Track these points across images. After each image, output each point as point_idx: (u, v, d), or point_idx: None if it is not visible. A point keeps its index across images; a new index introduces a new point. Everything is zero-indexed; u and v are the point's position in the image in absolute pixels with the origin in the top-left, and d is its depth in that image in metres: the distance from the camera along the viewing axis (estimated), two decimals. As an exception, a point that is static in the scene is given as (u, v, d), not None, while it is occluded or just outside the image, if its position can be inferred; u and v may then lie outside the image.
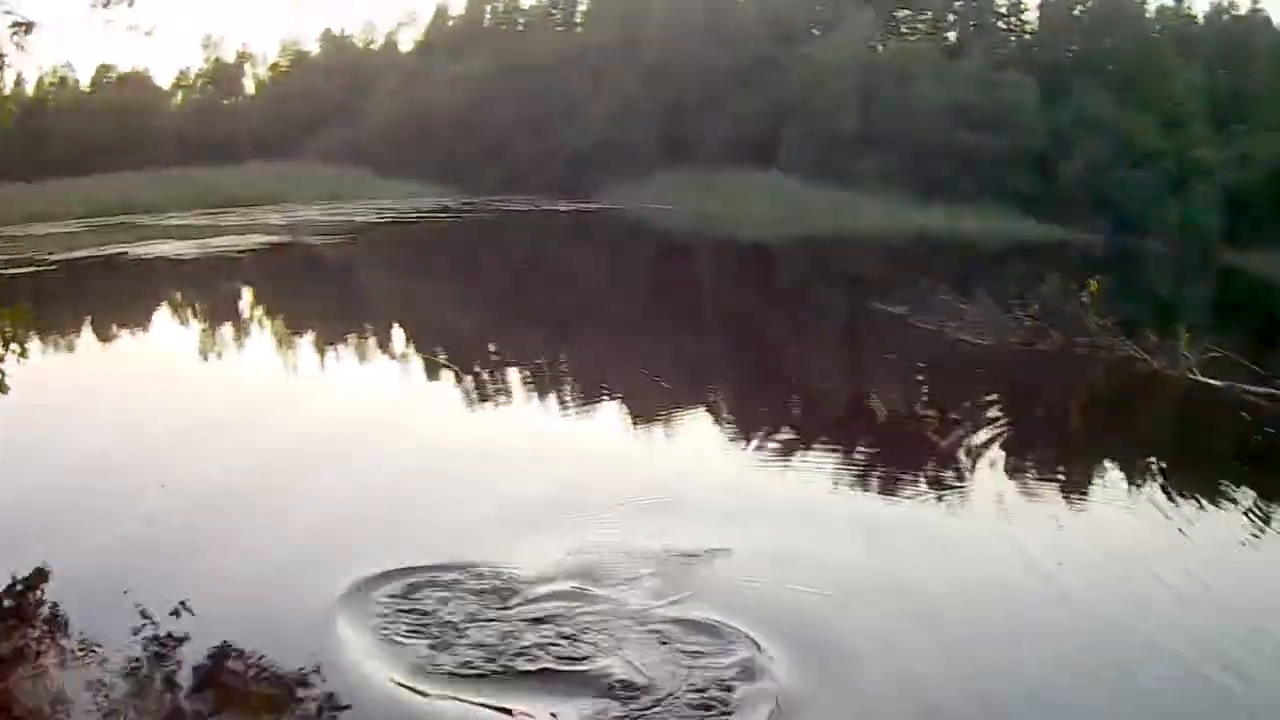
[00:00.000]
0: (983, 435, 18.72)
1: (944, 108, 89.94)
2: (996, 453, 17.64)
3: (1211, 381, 21.95)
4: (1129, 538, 14.12)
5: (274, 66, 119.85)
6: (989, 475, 16.46)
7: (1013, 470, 17.02)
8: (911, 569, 12.22)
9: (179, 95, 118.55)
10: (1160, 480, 16.80)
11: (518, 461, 16.40)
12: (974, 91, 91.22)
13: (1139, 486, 16.47)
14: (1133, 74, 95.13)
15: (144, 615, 9.64)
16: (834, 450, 17.63)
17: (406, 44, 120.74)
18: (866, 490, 15.72)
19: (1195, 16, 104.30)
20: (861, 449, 17.85)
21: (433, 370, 22.92)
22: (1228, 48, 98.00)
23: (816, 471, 16.21)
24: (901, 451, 18.20)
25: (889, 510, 14.83)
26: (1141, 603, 11.55)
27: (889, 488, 15.89)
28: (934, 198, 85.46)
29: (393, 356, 25.66)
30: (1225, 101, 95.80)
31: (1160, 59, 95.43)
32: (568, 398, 21.10)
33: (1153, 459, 18.21)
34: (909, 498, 15.53)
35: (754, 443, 18.17)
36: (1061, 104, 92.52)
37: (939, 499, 15.38)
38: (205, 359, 24.63)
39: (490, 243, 55.53)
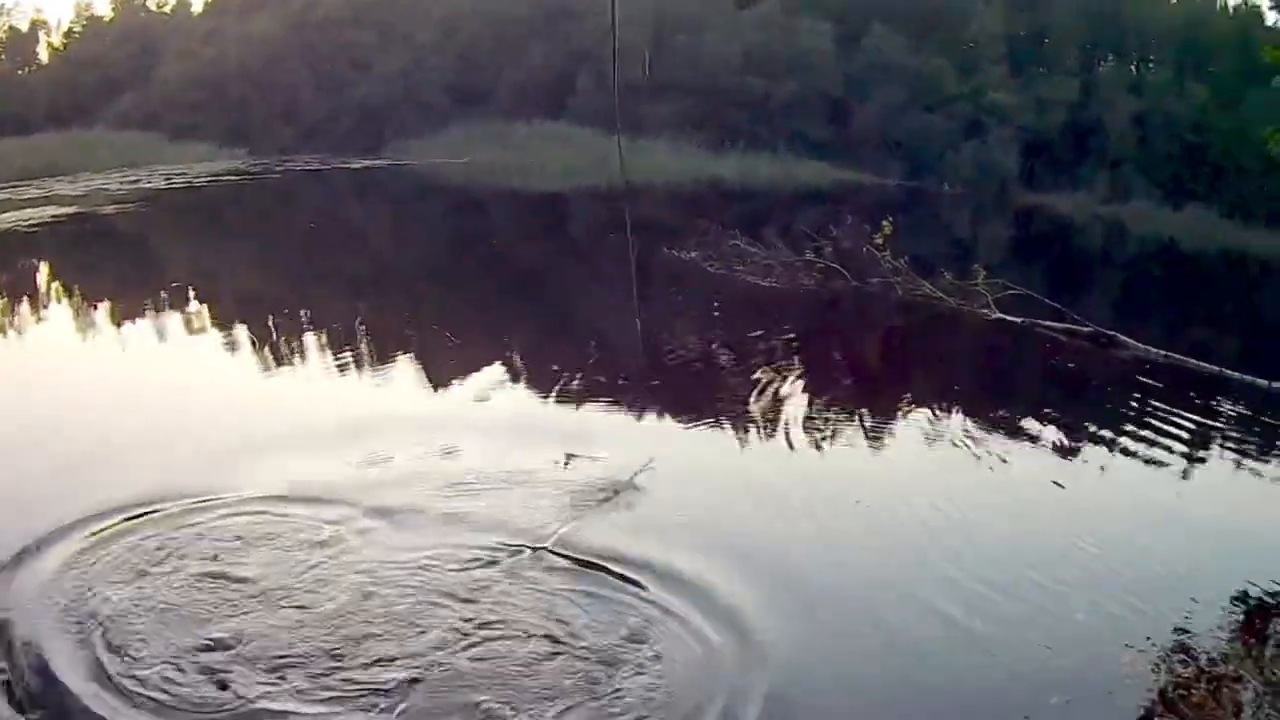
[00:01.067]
0: (770, 374, 18.38)
1: (737, 54, 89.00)
2: (788, 389, 17.40)
3: (1009, 318, 21.08)
4: (918, 466, 14.97)
5: (67, 34, 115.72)
6: (784, 411, 16.80)
7: (810, 406, 16.83)
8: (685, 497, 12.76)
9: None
10: (955, 413, 18.10)
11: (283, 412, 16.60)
12: (768, 37, 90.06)
13: (933, 419, 17.46)
14: (929, 18, 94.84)
15: None
16: (619, 394, 16.98)
17: (198, 5, 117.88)
18: (656, 424, 16.30)
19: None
20: (648, 391, 17.11)
21: (219, 332, 21.55)
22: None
23: (602, 414, 15.39)
24: (689, 391, 17.40)
25: (679, 444, 15.32)
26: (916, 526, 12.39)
27: (681, 424, 16.37)
28: (728, 145, 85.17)
29: (183, 322, 24.00)
30: (1024, 46, 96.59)
31: (957, 3, 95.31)
32: (355, 356, 19.81)
33: (946, 393, 19.49)
34: (698, 433, 15.95)
35: (538, 389, 18.32)
36: (856, 49, 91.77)
37: (738, 434, 15.90)
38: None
39: (281, 203, 54.64)
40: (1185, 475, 15.66)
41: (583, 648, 9.12)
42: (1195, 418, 18.34)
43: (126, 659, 8.55)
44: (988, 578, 10.98)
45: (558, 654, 9.02)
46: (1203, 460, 16.43)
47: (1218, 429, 17.95)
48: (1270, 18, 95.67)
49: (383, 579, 10.10)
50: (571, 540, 11.18)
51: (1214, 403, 19.36)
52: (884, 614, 10.10)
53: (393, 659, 8.80)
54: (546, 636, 9.32)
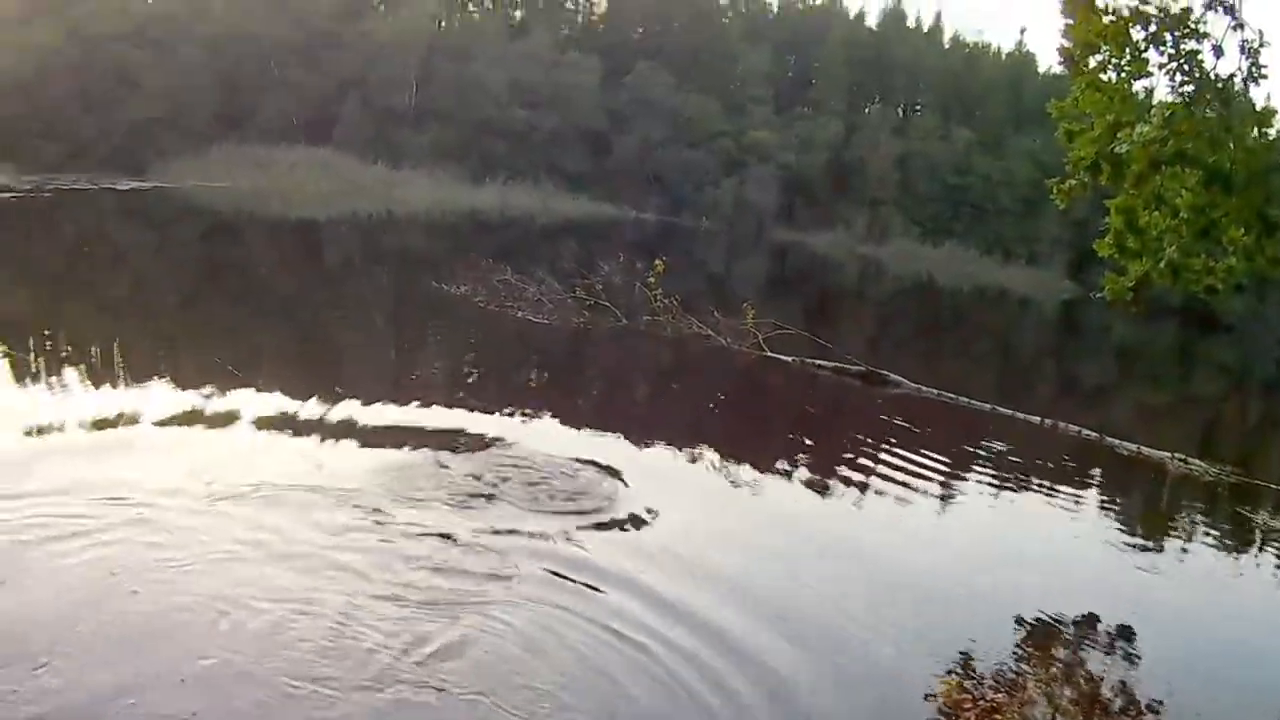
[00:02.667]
0: (545, 412, 17.85)
1: (503, 86, 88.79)
2: (567, 428, 16.76)
3: (780, 357, 21.03)
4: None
5: None
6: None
7: (611, 441, 16.18)
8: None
9: None
10: (730, 447, 16.52)
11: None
12: (535, 70, 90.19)
13: (715, 456, 16.67)
14: (697, 58, 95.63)
15: None
16: (394, 428, 16.33)
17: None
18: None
19: (769, 4, 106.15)
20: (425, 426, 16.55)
21: None
22: (799, 35, 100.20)
23: (351, 450, 14.78)
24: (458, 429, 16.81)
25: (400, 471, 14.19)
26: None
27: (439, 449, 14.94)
28: (487, 175, 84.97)
29: None
30: (791, 87, 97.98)
31: (726, 44, 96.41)
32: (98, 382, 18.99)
33: (718, 429, 18.20)
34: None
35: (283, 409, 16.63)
36: (622, 85, 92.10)
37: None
38: None
39: (45, 224, 53.02)
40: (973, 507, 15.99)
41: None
42: (977, 452, 18.54)
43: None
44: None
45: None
46: (985, 492, 16.57)
47: (995, 462, 18.11)
48: (1043, 64, 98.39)
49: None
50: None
51: (985, 440, 19.41)
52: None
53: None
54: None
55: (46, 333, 21.99)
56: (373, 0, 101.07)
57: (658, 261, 24.48)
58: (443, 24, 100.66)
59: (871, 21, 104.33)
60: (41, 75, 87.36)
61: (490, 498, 12.82)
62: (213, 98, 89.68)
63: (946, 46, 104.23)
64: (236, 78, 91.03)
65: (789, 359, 21.10)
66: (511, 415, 17.54)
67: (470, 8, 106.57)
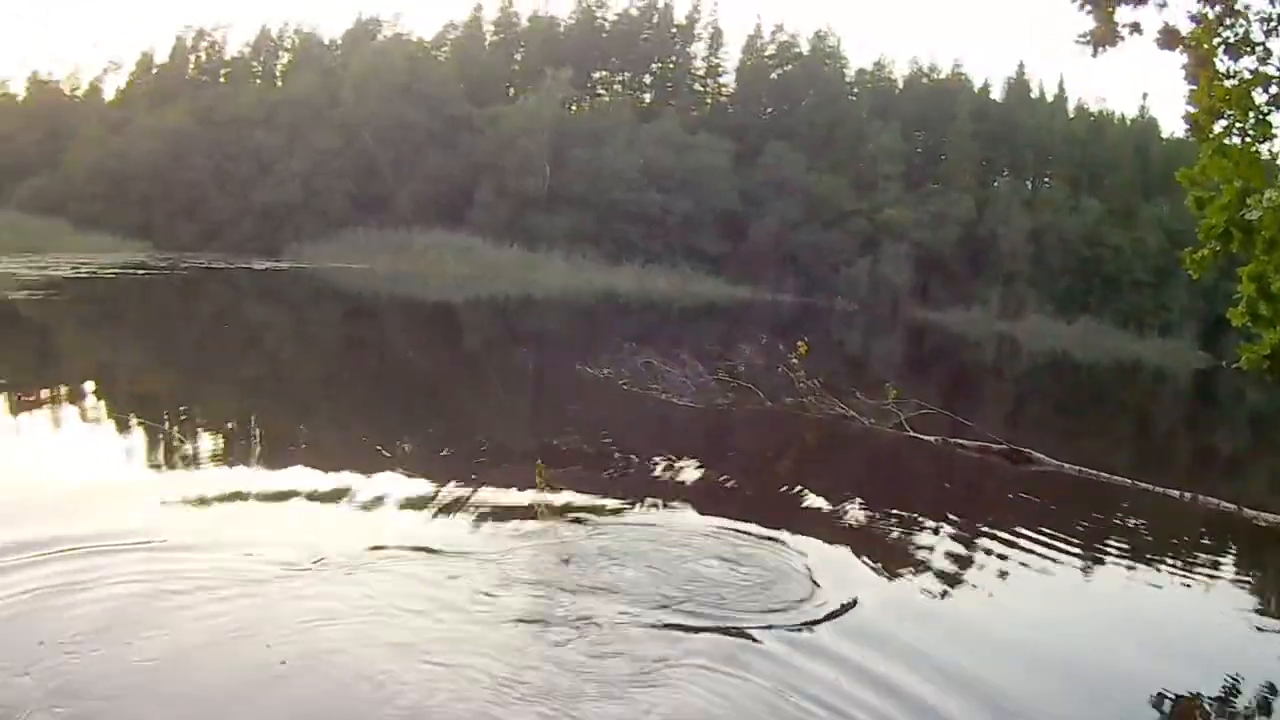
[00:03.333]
0: (704, 492, 17.85)
1: (635, 169, 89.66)
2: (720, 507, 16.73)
3: (924, 437, 21.22)
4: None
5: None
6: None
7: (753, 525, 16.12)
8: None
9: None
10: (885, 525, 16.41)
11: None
12: (666, 153, 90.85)
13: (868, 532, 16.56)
14: (827, 136, 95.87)
15: None
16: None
17: (111, 92, 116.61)
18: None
19: (894, 79, 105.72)
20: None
21: (125, 429, 20.91)
22: (926, 110, 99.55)
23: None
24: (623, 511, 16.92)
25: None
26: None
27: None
28: (623, 258, 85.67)
29: (85, 416, 23.48)
30: (921, 162, 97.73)
31: (856, 121, 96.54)
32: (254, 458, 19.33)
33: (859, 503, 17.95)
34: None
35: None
36: (754, 166, 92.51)
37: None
38: None
39: (186, 301, 53.56)
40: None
41: None
42: (1115, 526, 18.56)
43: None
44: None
45: None
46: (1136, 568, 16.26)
47: (1133, 536, 18.05)
48: (1166, 130, 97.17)
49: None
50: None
51: (1121, 514, 19.36)
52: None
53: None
54: None
55: (182, 408, 22.50)
56: (504, 86, 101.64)
57: (800, 343, 24.53)
58: (573, 108, 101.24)
59: (996, 93, 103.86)
60: (177, 158, 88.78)
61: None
62: (347, 182, 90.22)
63: (1071, 116, 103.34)
64: (372, 162, 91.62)
65: (932, 438, 21.25)
66: (661, 494, 17.65)
67: (599, 91, 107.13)
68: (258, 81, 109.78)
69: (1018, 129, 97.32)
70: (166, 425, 20.67)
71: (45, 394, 23.78)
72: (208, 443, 19.12)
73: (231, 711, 8.57)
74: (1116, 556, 16.42)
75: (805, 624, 11.19)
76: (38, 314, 40.11)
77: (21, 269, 54.22)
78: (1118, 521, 18.86)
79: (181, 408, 23.56)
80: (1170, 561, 16.75)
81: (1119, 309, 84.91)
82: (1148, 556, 16.73)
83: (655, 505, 16.63)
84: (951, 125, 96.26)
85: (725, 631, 10.73)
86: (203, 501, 14.64)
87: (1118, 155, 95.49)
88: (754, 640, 10.63)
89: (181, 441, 18.87)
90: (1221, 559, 17.81)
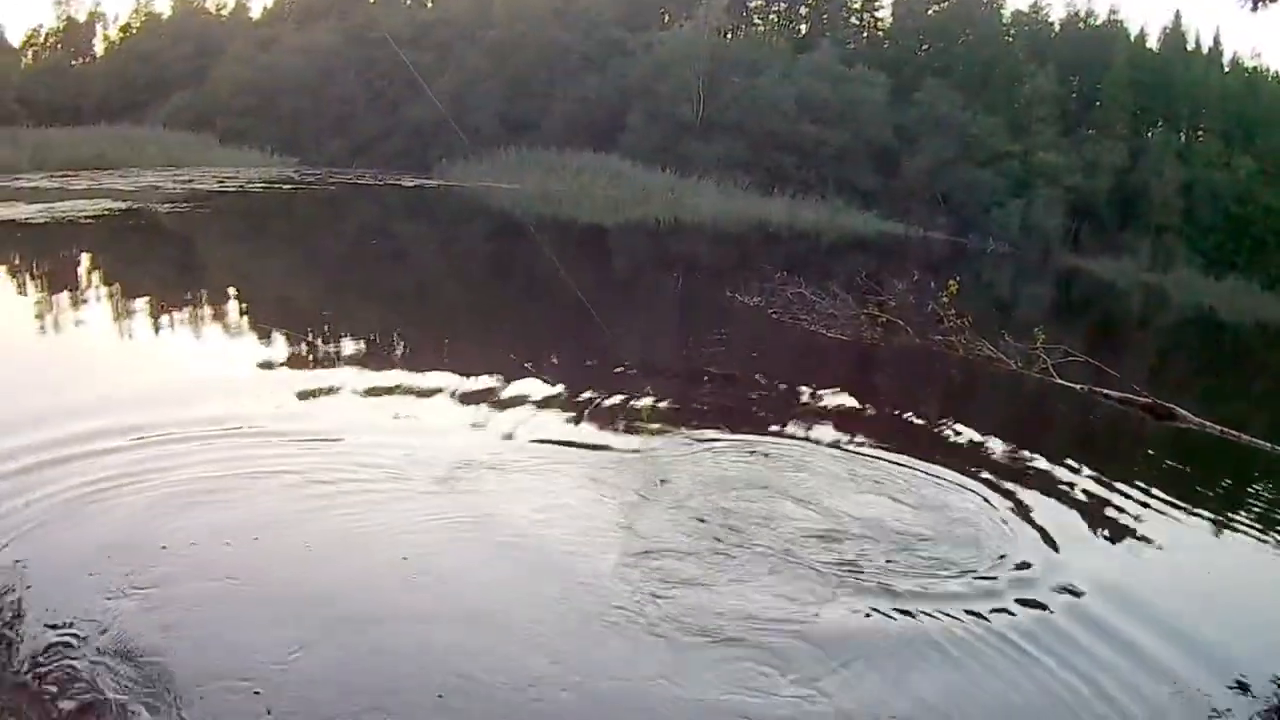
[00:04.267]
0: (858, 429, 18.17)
1: (790, 99, 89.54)
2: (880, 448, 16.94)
3: (1070, 384, 21.33)
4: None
5: (124, 28, 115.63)
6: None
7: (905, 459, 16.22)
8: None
9: (29, 54, 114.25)
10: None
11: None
12: (821, 85, 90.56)
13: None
14: (983, 76, 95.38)
15: None
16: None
17: (256, 11, 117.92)
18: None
19: (1051, 22, 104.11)
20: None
21: (270, 344, 21.33)
22: (1081, 55, 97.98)
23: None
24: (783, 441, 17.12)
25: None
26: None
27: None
28: (774, 188, 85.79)
29: (229, 326, 23.93)
30: (1075, 108, 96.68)
31: (1012, 62, 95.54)
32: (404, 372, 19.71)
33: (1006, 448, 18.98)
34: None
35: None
36: (909, 102, 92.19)
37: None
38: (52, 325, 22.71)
39: (333, 215, 54.00)
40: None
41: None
42: (1255, 490, 18.56)
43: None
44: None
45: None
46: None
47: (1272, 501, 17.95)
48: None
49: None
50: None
51: (1263, 481, 19.35)
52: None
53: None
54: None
55: (334, 324, 23.02)
56: (659, 11, 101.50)
57: (951, 282, 24.64)
58: (728, 36, 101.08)
59: (1153, 42, 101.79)
60: (326, 75, 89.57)
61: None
62: (497, 102, 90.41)
63: (1226, 70, 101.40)
64: (524, 83, 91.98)
65: (1077, 386, 21.34)
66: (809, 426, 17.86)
67: (755, 20, 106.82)
68: (408, 3, 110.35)
69: (1172, 80, 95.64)
70: (309, 333, 21.29)
71: (188, 302, 24.45)
72: (353, 349, 19.71)
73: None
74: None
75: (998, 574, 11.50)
76: (181, 226, 40.86)
77: (168, 183, 55.19)
78: (1258, 486, 19.07)
79: (324, 315, 24.19)
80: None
81: (1267, 270, 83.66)
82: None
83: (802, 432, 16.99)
84: (1106, 72, 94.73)
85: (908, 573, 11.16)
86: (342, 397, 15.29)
87: (1272, 113, 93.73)
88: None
89: (327, 348, 19.46)
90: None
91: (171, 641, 8.09)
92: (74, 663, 7.69)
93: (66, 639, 7.96)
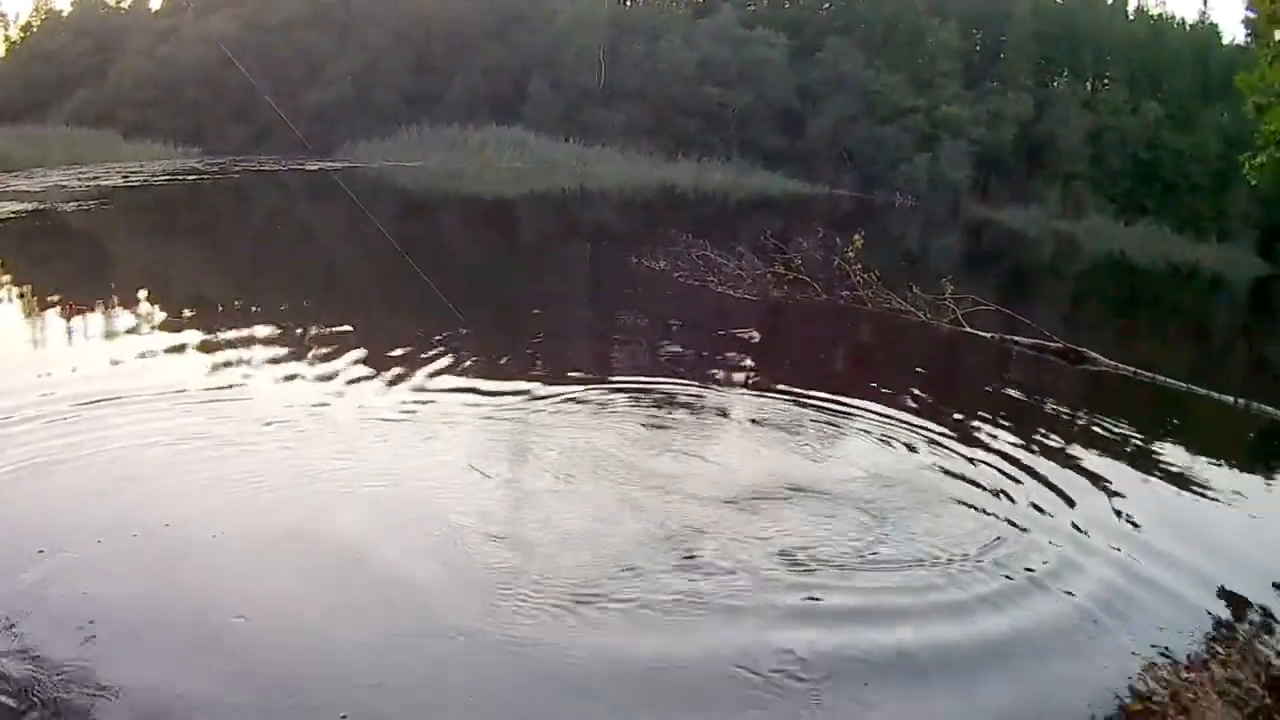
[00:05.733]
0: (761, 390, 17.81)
1: (692, 64, 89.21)
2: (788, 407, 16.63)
3: (980, 333, 21.09)
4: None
5: (24, 27, 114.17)
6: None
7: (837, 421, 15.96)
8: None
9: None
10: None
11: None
12: (723, 47, 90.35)
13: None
14: (885, 33, 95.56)
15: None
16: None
17: (156, 3, 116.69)
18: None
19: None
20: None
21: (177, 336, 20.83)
22: (984, 8, 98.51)
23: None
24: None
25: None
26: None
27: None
28: (680, 153, 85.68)
29: (142, 323, 23.36)
30: (979, 60, 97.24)
31: (913, 17, 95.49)
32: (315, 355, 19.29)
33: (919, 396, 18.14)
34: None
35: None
36: (811, 62, 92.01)
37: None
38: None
39: (237, 202, 53.65)
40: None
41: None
42: (1169, 428, 18.42)
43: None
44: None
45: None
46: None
47: (1188, 440, 17.86)
48: (1227, 36, 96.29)
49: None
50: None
51: (1174, 417, 19.21)
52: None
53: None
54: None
55: (244, 315, 22.51)
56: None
57: (856, 236, 24.44)
58: (628, 3, 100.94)
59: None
60: (226, 62, 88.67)
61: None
62: (399, 80, 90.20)
63: (1130, 18, 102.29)
64: (424, 59, 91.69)
65: (988, 335, 21.13)
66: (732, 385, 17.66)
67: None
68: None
69: (1077, 29, 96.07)
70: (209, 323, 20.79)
71: (96, 301, 23.83)
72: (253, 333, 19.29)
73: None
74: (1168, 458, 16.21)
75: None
76: (86, 224, 40.15)
77: (72, 181, 54.32)
78: (1170, 424, 18.74)
79: (235, 304, 23.69)
80: (1226, 464, 16.55)
81: (1178, 213, 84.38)
82: (1203, 458, 16.51)
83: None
84: (1009, 24, 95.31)
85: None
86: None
87: (1177, 59, 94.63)
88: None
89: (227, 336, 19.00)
90: (1276, 465, 17.60)
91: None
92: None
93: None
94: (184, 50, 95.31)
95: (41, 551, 8.95)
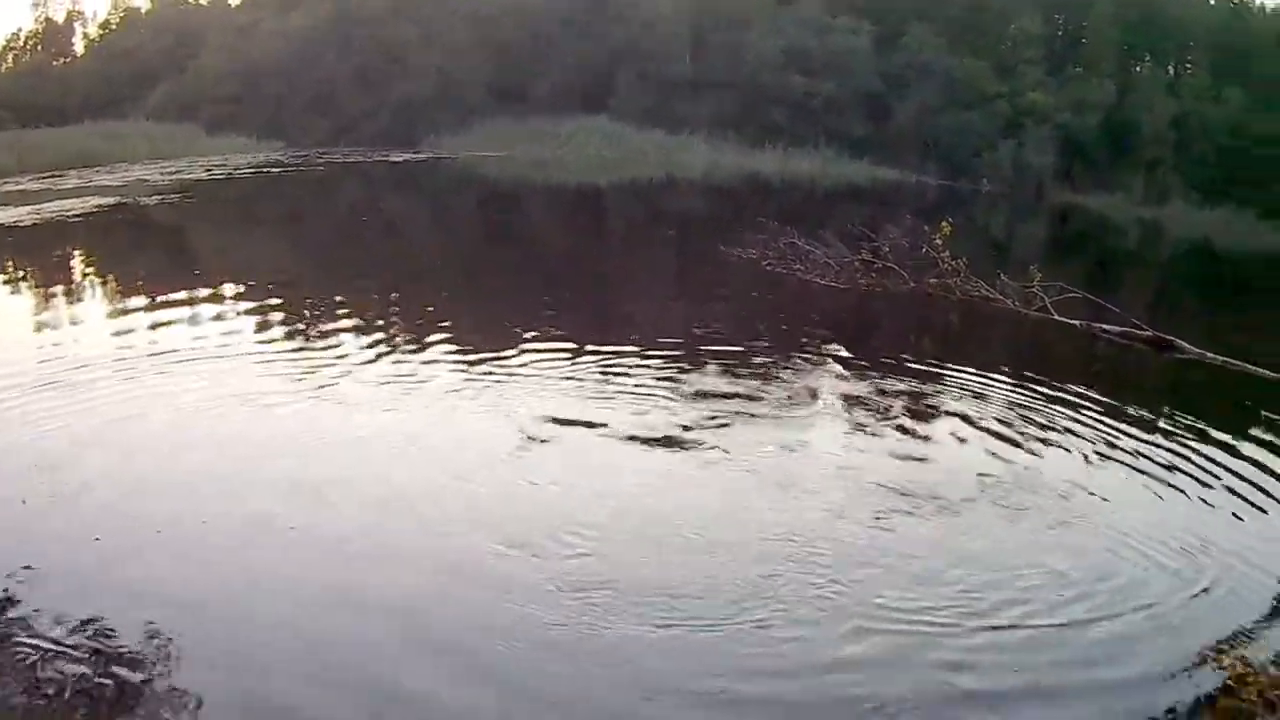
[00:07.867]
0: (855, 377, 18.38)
1: (777, 53, 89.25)
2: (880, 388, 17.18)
3: (1069, 320, 21.43)
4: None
5: (104, 25, 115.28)
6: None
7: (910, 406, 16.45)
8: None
9: (9, 58, 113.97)
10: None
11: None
12: (808, 36, 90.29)
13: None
14: (967, 19, 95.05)
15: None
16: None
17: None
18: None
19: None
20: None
21: (272, 329, 21.38)
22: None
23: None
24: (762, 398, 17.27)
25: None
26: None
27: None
28: (767, 142, 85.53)
29: (235, 309, 23.89)
30: (1061, 47, 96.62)
31: (996, 4, 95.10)
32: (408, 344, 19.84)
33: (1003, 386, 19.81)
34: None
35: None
36: (895, 49, 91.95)
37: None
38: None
39: (321, 195, 54.14)
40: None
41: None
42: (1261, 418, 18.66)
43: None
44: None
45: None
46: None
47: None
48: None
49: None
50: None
51: (1266, 408, 19.57)
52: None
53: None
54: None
55: (329, 299, 22.98)
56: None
57: (944, 224, 24.65)
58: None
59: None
60: (309, 57, 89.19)
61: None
62: (484, 72, 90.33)
63: (1212, 2, 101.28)
64: (509, 52, 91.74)
65: (1076, 322, 21.49)
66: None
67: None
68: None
69: (1159, 14, 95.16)
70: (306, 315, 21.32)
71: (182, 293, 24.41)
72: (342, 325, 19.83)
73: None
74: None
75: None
76: (169, 216, 40.81)
77: (154, 175, 55.02)
78: (1264, 414, 19.18)
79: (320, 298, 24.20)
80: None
81: (1263, 200, 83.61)
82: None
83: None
84: (1091, 9, 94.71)
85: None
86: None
87: (1260, 44, 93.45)
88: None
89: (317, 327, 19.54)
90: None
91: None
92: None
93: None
94: (265, 44, 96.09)
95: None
